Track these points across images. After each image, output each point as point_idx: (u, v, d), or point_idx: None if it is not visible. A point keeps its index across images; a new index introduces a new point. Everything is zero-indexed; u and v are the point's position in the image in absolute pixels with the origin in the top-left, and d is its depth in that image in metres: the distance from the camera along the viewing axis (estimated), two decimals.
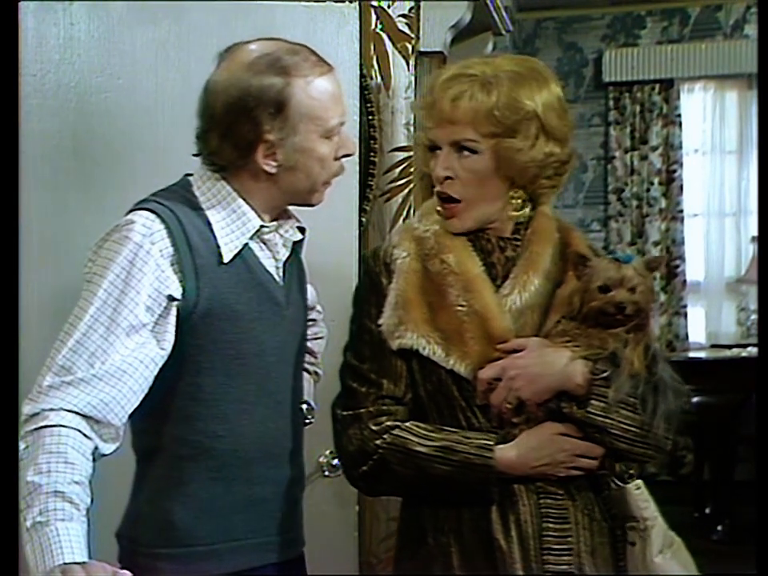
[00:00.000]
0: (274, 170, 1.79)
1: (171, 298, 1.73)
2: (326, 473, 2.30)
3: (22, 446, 1.62)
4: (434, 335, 1.77)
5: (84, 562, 1.53)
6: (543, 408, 1.76)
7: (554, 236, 1.86)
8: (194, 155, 1.84)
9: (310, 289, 2.06)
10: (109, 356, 1.67)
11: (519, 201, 1.83)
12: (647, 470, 6.75)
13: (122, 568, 1.81)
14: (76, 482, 1.60)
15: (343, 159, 1.86)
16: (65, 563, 1.52)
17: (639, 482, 1.85)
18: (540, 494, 1.76)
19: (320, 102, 1.77)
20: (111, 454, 1.71)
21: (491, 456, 1.73)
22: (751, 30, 6.79)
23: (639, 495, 1.84)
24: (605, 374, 1.73)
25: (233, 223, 1.80)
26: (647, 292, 1.78)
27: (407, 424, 1.78)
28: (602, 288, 1.75)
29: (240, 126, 1.75)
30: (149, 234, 1.72)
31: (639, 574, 1.82)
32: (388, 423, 1.78)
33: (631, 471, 1.85)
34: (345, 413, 1.81)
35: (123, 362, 1.68)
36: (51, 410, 1.63)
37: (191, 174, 1.86)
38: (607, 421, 1.73)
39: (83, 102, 2.41)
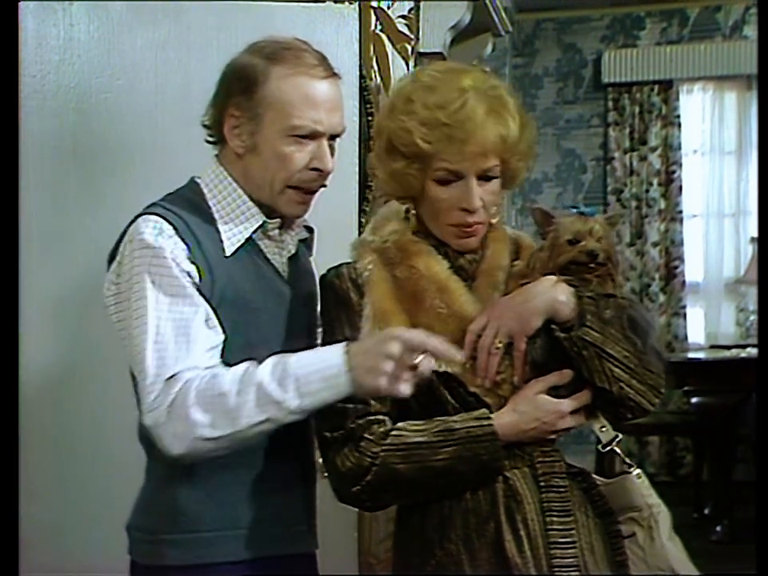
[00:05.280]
0: (241, 150, 1.82)
1: (195, 285, 1.76)
2: (326, 473, 2.29)
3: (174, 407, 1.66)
4: None
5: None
6: (530, 348, 1.76)
7: (506, 235, 1.89)
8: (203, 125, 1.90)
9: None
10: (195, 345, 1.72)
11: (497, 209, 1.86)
12: (645, 470, 6.76)
13: (132, 559, 1.84)
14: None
15: (317, 173, 1.83)
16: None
17: (639, 471, 1.85)
18: (542, 488, 1.76)
19: (289, 98, 1.78)
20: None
21: (491, 423, 1.74)
22: (750, 30, 6.80)
23: (642, 484, 1.84)
24: (589, 294, 1.76)
25: (236, 218, 1.83)
26: (612, 245, 1.83)
27: (399, 425, 1.77)
28: (571, 241, 1.80)
29: (217, 96, 1.83)
30: (160, 233, 1.75)
31: (647, 561, 1.82)
32: (381, 430, 1.76)
33: (627, 461, 1.85)
34: (335, 434, 1.77)
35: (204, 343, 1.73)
36: (174, 377, 1.67)
37: (200, 177, 1.89)
38: (606, 339, 1.73)
39: (83, 102, 2.41)
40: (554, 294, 1.75)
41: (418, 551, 1.80)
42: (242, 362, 1.72)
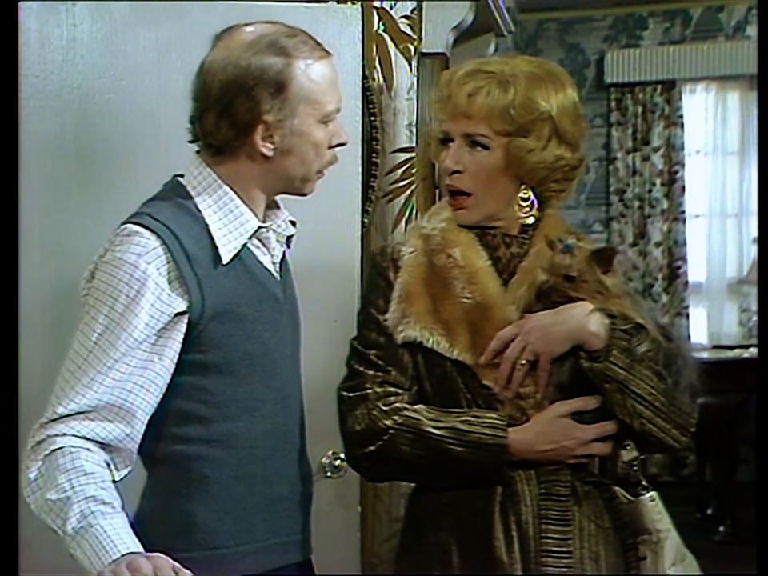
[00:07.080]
0: (270, 153, 1.77)
1: (178, 314, 1.72)
2: (329, 474, 2.30)
3: (32, 473, 1.64)
4: (437, 327, 1.78)
5: (147, 554, 1.53)
6: (557, 369, 1.75)
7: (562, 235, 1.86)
8: (190, 142, 1.82)
9: None
10: (111, 381, 1.68)
11: (528, 205, 1.85)
12: (648, 471, 6.75)
13: None
14: (102, 488, 1.61)
15: (337, 149, 1.84)
16: (125, 554, 1.53)
17: (654, 493, 1.83)
18: (542, 495, 1.75)
19: (319, 86, 1.77)
20: (122, 479, 1.71)
21: (504, 435, 1.73)
22: (753, 30, 6.79)
23: (653, 507, 1.83)
24: (625, 327, 1.73)
25: (230, 224, 1.78)
26: (590, 282, 1.76)
27: (416, 406, 1.79)
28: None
29: (238, 105, 1.74)
30: (144, 252, 1.70)
31: None
32: (397, 404, 1.78)
33: (644, 483, 1.83)
34: (352, 394, 1.81)
35: (124, 388, 1.69)
36: (56, 435, 1.65)
37: (181, 175, 1.84)
38: (630, 376, 1.71)
39: (86, 103, 2.40)
40: (585, 323, 1.73)
41: (415, 535, 1.83)
42: (242, 374, 1.74)
